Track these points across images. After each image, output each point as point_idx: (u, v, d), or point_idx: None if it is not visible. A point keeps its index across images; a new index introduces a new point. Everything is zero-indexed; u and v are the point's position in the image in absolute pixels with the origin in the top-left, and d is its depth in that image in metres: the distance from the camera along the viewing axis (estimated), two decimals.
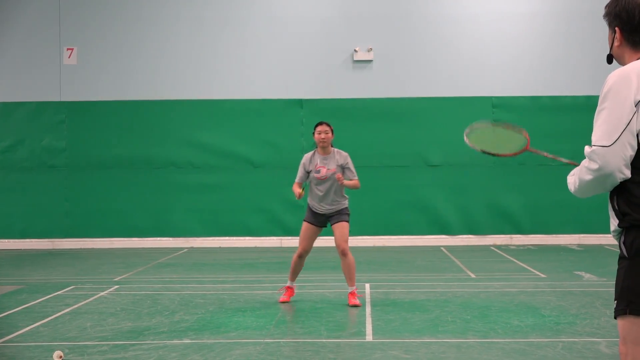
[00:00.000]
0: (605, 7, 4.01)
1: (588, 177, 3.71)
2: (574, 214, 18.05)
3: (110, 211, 18.51)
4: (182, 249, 17.94)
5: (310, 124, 18.25)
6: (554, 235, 18.20)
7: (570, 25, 18.43)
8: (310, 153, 10.31)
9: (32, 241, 18.55)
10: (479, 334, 8.30)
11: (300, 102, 18.49)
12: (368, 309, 9.78)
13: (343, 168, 10.11)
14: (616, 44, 3.96)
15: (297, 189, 10.11)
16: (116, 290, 11.61)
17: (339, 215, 10.15)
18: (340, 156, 10.17)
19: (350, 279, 10.10)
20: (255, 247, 18.11)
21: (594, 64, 18.02)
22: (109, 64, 18.77)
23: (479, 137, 4.97)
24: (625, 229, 3.73)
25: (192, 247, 18.20)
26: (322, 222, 10.22)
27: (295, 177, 10.28)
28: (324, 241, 17.90)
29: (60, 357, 7.12)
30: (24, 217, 18.60)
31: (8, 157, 18.64)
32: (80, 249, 18.27)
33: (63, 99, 18.65)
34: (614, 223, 3.82)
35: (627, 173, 3.66)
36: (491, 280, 12.34)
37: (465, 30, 18.60)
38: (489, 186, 18.30)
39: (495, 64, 18.52)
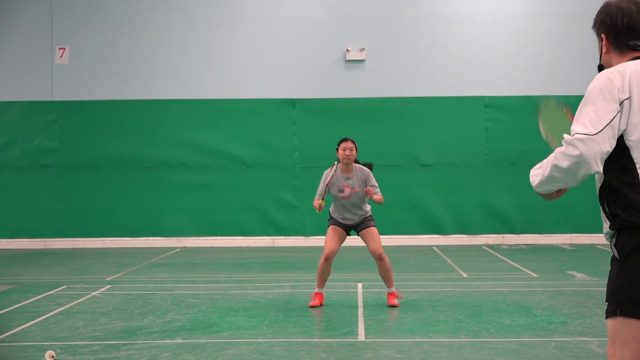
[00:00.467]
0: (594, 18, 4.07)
1: (564, 163, 3.69)
2: (566, 214, 18.08)
3: (103, 211, 18.47)
4: (174, 248, 17.92)
5: (302, 123, 18.29)
6: (546, 235, 18.24)
7: (562, 26, 18.46)
8: (331, 170, 9.93)
9: (24, 241, 18.52)
10: (471, 333, 8.30)
11: (292, 102, 18.48)
12: (360, 309, 9.78)
13: (366, 185, 9.83)
14: (604, 50, 4.02)
15: (317, 202, 9.80)
16: (108, 290, 11.60)
17: (365, 222, 9.96)
18: (362, 173, 9.87)
19: (388, 281, 9.98)
20: (248, 247, 18.11)
21: (586, 64, 18.04)
22: (101, 63, 18.74)
23: (549, 117, 4.86)
24: (617, 232, 3.75)
25: (184, 247, 18.18)
26: (347, 229, 10.03)
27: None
28: (315, 241, 17.93)
29: (52, 357, 7.11)
30: (16, 217, 18.56)
31: (0, 157, 18.58)
32: (73, 248, 18.24)
33: (55, 99, 18.62)
34: (605, 226, 3.83)
35: (601, 167, 3.66)
36: (483, 279, 12.36)
37: (458, 30, 18.62)
38: (481, 186, 18.33)
39: (487, 63, 18.54)
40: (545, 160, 3.86)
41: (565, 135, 3.71)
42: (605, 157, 3.67)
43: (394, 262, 14.19)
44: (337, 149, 9.91)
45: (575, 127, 3.70)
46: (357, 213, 9.91)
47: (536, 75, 18.46)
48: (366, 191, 9.64)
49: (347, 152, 9.83)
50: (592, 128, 3.64)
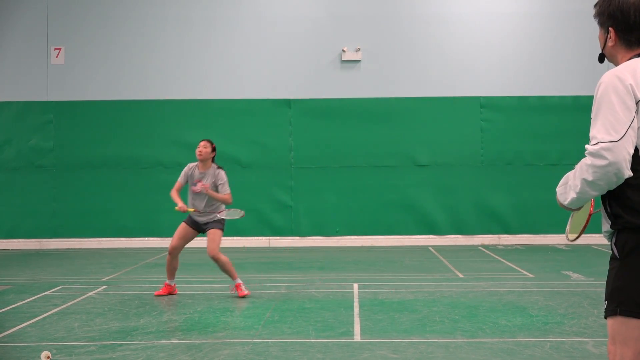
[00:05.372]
0: (595, 6, 3.97)
1: (594, 176, 3.61)
2: (562, 214, 17.90)
3: (98, 211, 18.45)
4: None
5: (298, 124, 18.29)
6: (541, 235, 18.24)
7: (558, 26, 18.48)
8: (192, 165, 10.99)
9: (19, 241, 18.49)
10: (467, 333, 8.31)
11: (288, 102, 18.48)
12: (356, 309, 9.78)
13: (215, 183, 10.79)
14: (610, 43, 3.92)
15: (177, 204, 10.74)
16: (104, 290, 11.59)
17: (213, 222, 10.79)
18: (214, 171, 10.86)
19: (231, 275, 10.81)
20: (244, 247, 18.10)
21: (582, 65, 18.10)
22: (96, 64, 18.72)
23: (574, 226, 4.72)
24: (617, 231, 3.73)
25: None
26: (198, 227, 10.86)
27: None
28: (311, 241, 17.93)
29: (48, 357, 7.10)
30: (11, 217, 18.53)
31: None
32: (68, 249, 18.22)
33: (50, 99, 18.59)
34: (605, 225, 3.80)
35: (630, 170, 3.60)
36: (479, 280, 12.37)
37: (454, 30, 18.62)
38: (476, 186, 18.33)
39: (483, 64, 18.55)
40: (569, 175, 3.78)
41: (588, 146, 3.63)
42: (631, 159, 3.60)
43: (389, 262, 14.24)
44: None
45: (597, 134, 3.62)
46: (207, 209, 10.72)
47: (531, 76, 18.48)
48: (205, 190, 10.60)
49: (201, 149, 10.87)
50: (615, 133, 3.57)
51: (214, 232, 10.69)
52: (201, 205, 10.66)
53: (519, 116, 18.34)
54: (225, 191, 10.72)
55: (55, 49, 18.68)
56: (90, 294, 11.22)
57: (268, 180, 18.34)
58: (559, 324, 8.76)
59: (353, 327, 8.67)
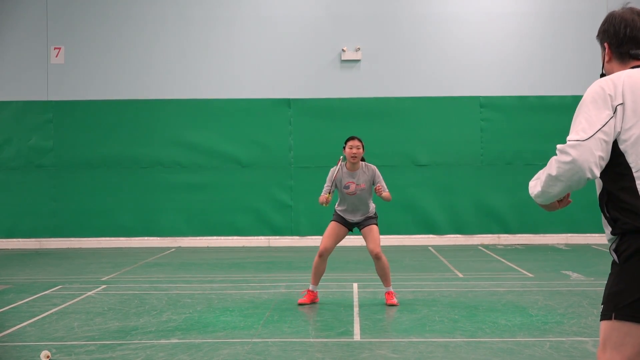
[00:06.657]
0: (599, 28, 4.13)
1: (559, 171, 3.73)
2: (561, 214, 18.05)
3: (98, 211, 18.45)
4: (169, 248, 17.91)
5: (298, 123, 18.30)
6: (541, 235, 18.25)
7: (558, 26, 18.47)
8: (337, 166, 10.08)
9: (19, 241, 18.49)
10: (467, 333, 8.31)
11: (288, 102, 18.48)
12: (356, 309, 9.78)
13: (373, 182, 10.09)
14: (606, 59, 4.04)
15: (323, 197, 9.91)
16: (104, 290, 11.59)
17: (368, 219, 10.12)
18: (369, 170, 10.11)
19: (386, 280, 10.11)
20: (243, 247, 18.10)
21: (581, 64, 18.09)
22: (96, 63, 18.71)
23: None
24: (620, 237, 3.75)
25: (179, 247, 18.17)
26: (350, 226, 10.19)
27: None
28: (310, 241, 17.93)
29: (48, 357, 7.10)
30: (10, 217, 18.53)
31: None
32: (68, 248, 18.22)
33: (50, 99, 18.59)
34: (607, 232, 3.84)
35: (596, 172, 3.68)
36: (479, 279, 12.37)
37: (453, 30, 18.63)
38: (476, 186, 18.34)
39: (482, 63, 18.56)
40: (541, 171, 3.89)
41: (558, 145, 3.76)
42: (599, 163, 3.69)
43: (389, 262, 14.17)
44: (344, 147, 10.07)
45: (569, 136, 3.76)
46: (361, 209, 10.07)
47: (531, 76, 18.49)
48: (376, 189, 9.87)
49: (354, 151, 9.98)
50: (584, 134, 3.68)
51: (372, 229, 10.04)
52: (357, 208, 10.05)
53: (519, 116, 18.34)
54: (386, 188, 10.01)
55: (55, 48, 18.68)
56: (89, 293, 11.22)
57: (268, 179, 18.35)
58: (559, 323, 8.76)
59: (353, 327, 8.67)
